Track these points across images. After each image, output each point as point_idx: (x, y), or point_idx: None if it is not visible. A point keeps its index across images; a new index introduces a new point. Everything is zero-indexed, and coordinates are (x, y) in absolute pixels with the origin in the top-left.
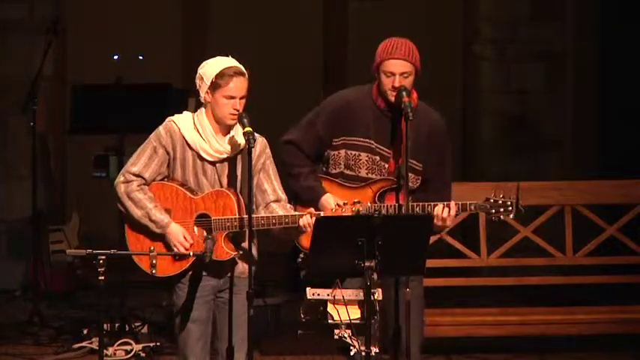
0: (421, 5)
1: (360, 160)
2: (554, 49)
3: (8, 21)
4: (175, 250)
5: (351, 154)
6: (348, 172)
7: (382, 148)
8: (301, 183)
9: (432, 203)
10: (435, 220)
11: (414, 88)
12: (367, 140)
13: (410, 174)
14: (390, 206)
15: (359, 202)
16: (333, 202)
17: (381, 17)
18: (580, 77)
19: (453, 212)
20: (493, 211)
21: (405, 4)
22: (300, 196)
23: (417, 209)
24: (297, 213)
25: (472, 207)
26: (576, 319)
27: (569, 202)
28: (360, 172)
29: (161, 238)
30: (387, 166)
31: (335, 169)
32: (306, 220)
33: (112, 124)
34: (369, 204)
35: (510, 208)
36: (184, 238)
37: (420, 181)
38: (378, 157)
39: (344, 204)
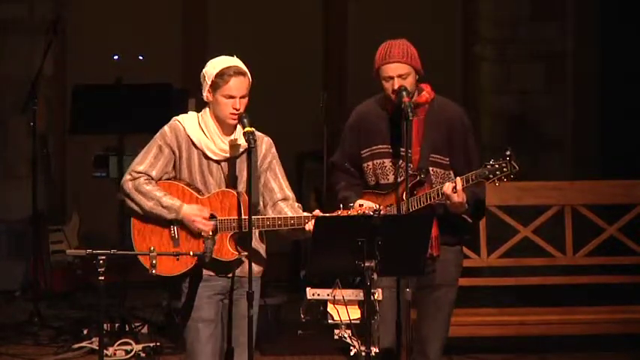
0: (421, 5)
1: (385, 166)
2: (554, 49)
3: (8, 21)
4: (196, 227)
5: (377, 163)
6: (380, 181)
7: (402, 150)
8: (338, 196)
9: (441, 185)
10: (446, 199)
11: (428, 82)
12: (386, 146)
13: (436, 169)
14: (392, 207)
15: (391, 206)
16: (365, 204)
17: (381, 17)
18: (580, 77)
19: (459, 186)
20: (491, 176)
21: (404, 5)
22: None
23: (434, 194)
24: (303, 215)
25: (473, 177)
26: (576, 319)
27: (569, 202)
28: (389, 179)
29: (168, 235)
30: (410, 165)
31: (371, 181)
32: (313, 224)
33: (112, 124)
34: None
35: (506, 169)
36: (201, 210)
37: (453, 174)
38: (400, 160)
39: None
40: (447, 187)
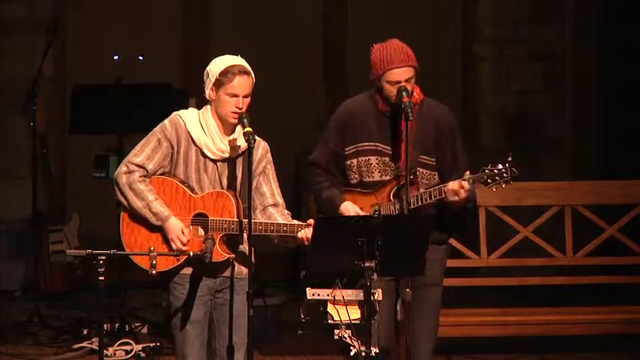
0: (421, 5)
1: (371, 164)
2: (554, 49)
3: (8, 21)
4: (172, 244)
5: (362, 160)
6: (364, 179)
7: (389, 148)
8: (322, 196)
9: (444, 184)
10: (451, 196)
11: (416, 83)
12: (373, 144)
13: (423, 170)
14: (391, 203)
15: (377, 204)
16: (352, 209)
17: (381, 17)
18: (580, 77)
19: (466, 185)
20: (489, 180)
21: (404, 4)
22: (323, 209)
23: (435, 193)
24: (295, 222)
25: (470, 181)
26: (576, 319)
27: (569, 202)
28: (374, 177)
29: (157, 231)
30: (399, 166)
31: (353, 179)
32: (305, 234)
33: (112, 124)
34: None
35: (505, 174)
36: (182, 233)
37: (440, 175)
38: (387, 158)
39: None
40: (454, 185)
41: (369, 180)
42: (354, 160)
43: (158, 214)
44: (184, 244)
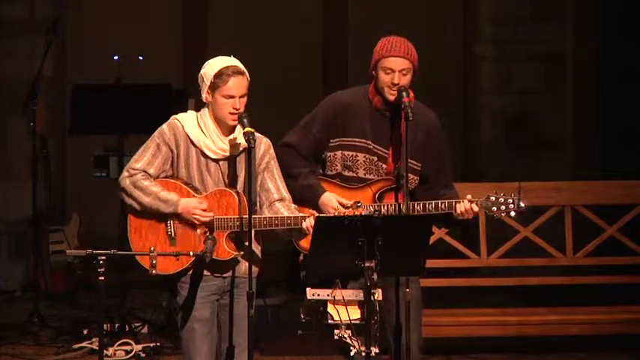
0: (421, 5)
1: (358, 160)
2: (554, 49)
3: (8, 21)
4: (194, 217)
5: (348, 154)
6: (346, 172)
7: (380, 148)
8: (300, 182)
9: (455, 200)
10: (463, 216)
11: (411, 87)
12: (364, 141)
13: (409, 174)
14: (391, 205)
15: (359, 203)
16: (334, 200)
17: (381, 17)
18: (580, 77)
19: (475, 208)
20: (495, 208)
21: (405, 4)
22: (299, 195)
23: (443, 206)
24: (300, 215)
25: (476, 205)
26: (576, 319)
27: (569, 202)
28: (358, 173)
29: (164, 234)
30: (384, 166)
31: (332, 170)
32: (310, 222)
33: (111, 124)
34: (368, 205)
35: (512, 205)
36: (200, 203)
37: (419, 180)
38: (375, 158)
39: (346, 207)
40: (463, 206)
41: (351, 175)
42: (338, 153)
43: (168, 200)
44: (205, 210)
